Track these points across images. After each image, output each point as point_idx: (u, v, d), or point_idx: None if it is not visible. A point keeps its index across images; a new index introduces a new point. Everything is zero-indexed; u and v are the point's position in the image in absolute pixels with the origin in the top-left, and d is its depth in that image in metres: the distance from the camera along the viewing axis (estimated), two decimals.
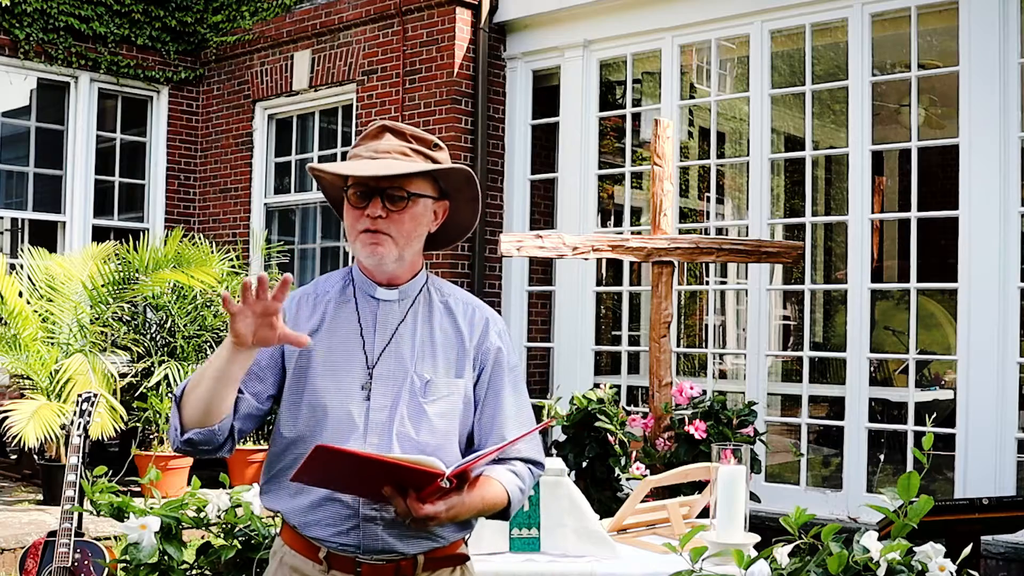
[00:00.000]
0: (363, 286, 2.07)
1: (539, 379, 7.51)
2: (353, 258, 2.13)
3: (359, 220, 1.98)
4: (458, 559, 2.07)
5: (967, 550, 2.71)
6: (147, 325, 7.26)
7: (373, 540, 1.94)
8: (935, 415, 4.44)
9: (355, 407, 1.97)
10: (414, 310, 2.07)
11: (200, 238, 7.91)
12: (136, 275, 6.88)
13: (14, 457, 7.24)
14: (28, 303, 6.66)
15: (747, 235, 6.26)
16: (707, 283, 9.28)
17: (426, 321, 2.07)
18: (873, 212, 6.54)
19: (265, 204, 8.64)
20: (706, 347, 8.07)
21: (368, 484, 1.84)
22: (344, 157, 8.04)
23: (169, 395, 6.55)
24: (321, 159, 8.36)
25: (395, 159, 1.98)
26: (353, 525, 1.94)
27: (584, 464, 4.91)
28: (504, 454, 2.03)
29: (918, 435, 4.67)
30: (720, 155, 8.42)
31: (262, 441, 7.15)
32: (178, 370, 6.63)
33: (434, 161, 2.01)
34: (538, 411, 5.30)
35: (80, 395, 4.74)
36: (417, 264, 2.09)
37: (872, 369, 7.10)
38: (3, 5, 7.69)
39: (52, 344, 6.57)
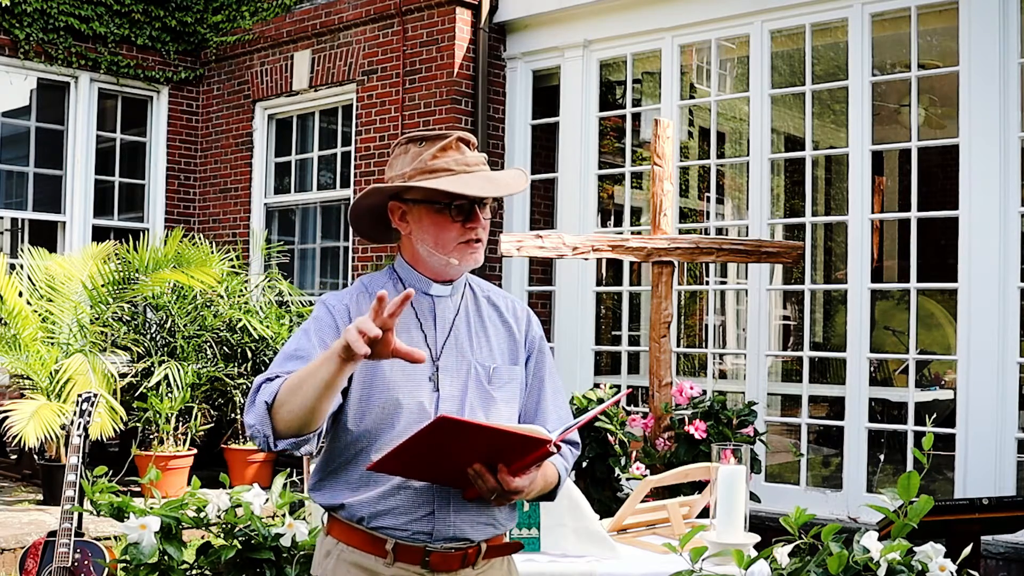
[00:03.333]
0: (415, 283, 2.11)
1: None
2: (397, 258, 2.16)
3: (459, 232, 2.05)
4: (511, 547, 2.14)
5: (967, 550, 2.71)
6: (147, 325, 7.26)
7: (446, 526, 1.98)
8: (935, 415, 4.45)
9: (425, 398, 2.02)
10: (464, 305, 2.16)
11: (200, 238, 7.91)
12: (136, 275, 6.88)
13: (14, 457, 7.24)
14: (28, 303, 6.66)
15: (747, 235, 6.26)
16: (707, 283, 9.28)
17: (476, 314, 2.16)
18: (873, 212, 6.54)
19: (265, 204, 8.64)
20: (706, 347, 8.06)
21: (461, 462, 1.87)
22: (345, 157, 8.06)
23: (169, 395, 6.55)
24: (321, 159, 8.36)
25: (486, 170, 2.09)
26: (428, 512, 1.98)
27: (584, 464, 4.92)
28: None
29: (918, 435, 4.67)
30: (720, 155, 8.42)
31: None
32: (178, 370, 6.63)
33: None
34: None
35: (80, 395, 4.74)
36: None
37: (872, 369, 7.10)
38: (3, 5, 7.69)
39: (52, 344, 6.57)
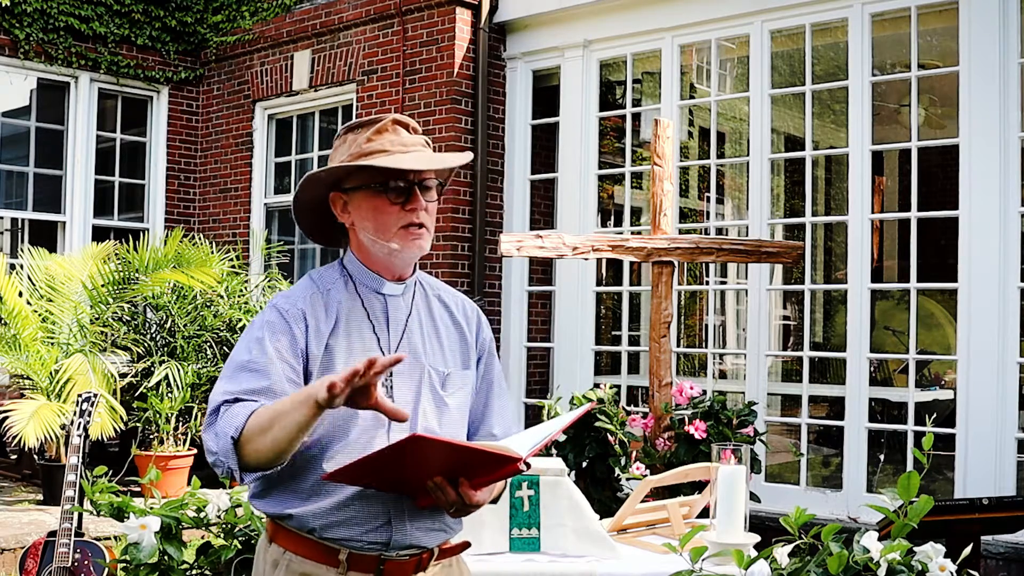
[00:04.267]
0: (366, 281, 2.03)
1: (539, 379, 7.51)
2: (343, 254, 2.09)
3: (399, 216, 1.96)
4: (461, 548, 2.12)
5: (967, 550, 2.71)
6: (147, 325, 7.26)
7: (402, 536, 1.95)
8: (935, 415, 4.44)
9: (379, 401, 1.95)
10: (415, 304, 2.08)
11: (200, 238, 7.91)
12: (136, 275, 6.88)
13: (14, 457, 7.24)
14: (28, 303, 6.66)
15: (747, 235, 6.26)
16: (707, 283, 9.28)
17: (428, 314, 2.09)
18: (873, 212, 6.54)
19: (265, 204, 8.64)
20: (706, 347, 8.06)
21: (418, 477, 1.85)
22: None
23: (169, 395, 6.55)
24: (321, 160, 8.36)
25: (423, 150, 2.01)
26: (384, 522, 1.93)
27: (584, 464, 4.92)
28: (484, 438, 2.11)
29: (918, 435, 4.67)
30: (720, 155, 8.42)
31: None
32: (178, 370, 6.63)
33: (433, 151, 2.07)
34: (538, 411, 5.32)
35: (80, 395, 4.74)
36: None
37: (872, 369, 7.10)
38: (3, 5, 7.69)
39: (52, 344, 6.57)
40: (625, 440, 4.80)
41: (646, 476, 3.98)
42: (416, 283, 2.10)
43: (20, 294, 6.61)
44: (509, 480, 2.11)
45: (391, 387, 1.98)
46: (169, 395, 6.56)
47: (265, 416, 1.79)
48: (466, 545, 2.13)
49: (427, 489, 1.85)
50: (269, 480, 1.94)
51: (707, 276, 9.39)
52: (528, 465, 1.87)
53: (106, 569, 4.03)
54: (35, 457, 6.56)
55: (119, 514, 3.09)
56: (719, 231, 7.76)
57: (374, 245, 1.99)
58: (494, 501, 2.10)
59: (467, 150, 2.16)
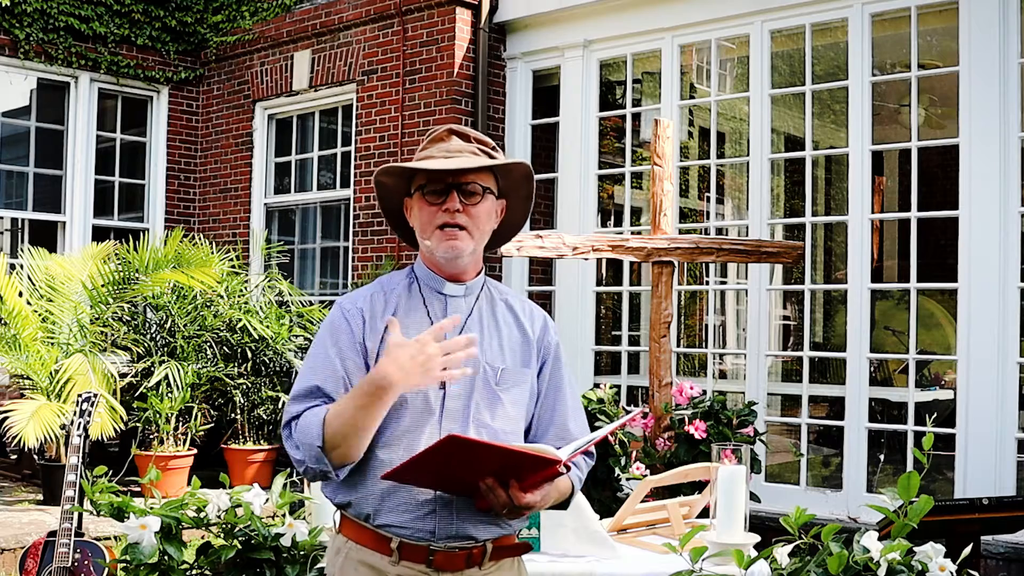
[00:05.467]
0: (429, 282, 2.14)
1: None
2: (416, 258, 2.20)
3: (435, 216, 2.06)
4: (520, 548, 2.14)
5: (967, 550, 2.71)
6: (147, 325, 7.26)
7: (448, 524, 1.98)
8: (935, 415, 4.44)
9: (431, 394, 2.02)
10: (478, 306, 2.15)
11: (200, 238, 7.91)
12: (136, 275, 6.88)
13: (14, 457, 7.24)
14: (28, 303, 6.65)
15: (747, 235, 6.26)
16: (707, 283, 9.28)
17: (491, 316, 2.15)
18: (873, 212, 6.54)
19: (265, 204, 8.64)
20: (706, 347, 8.06)
21: (471, 477, 1.88)
22: (345, 157, 8.06)
23: (169, 395, 6.55)
24: (321, 159, 8.36)
25: (467, 157, 2.07)
26: (430, 509, 1.98)
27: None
28: (558, 437, 2.14)
29: (918, 435, 4.67)
30: (720, 155, 8.42)
31: (262, 441, 7.15)
32: (178, 370, 6.63)
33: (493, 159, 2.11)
34: None
35: (80, 395, 4.74)
36: (480, 262, 2.18)
37: (872, 369, 7.10)
38: (3, 5, 7.69)
39: (52, 344, 6.57)
40: (625, 440, 4.80)
41: (646, 476, 3.98)
42: (483, 287, 2.18)
43: (20, 294, 6.61)
44: (577, 484, 2.13)
45: (444, 380, 2.03)
46: (169, 395, 6.56)
47: (336, 420, 1.94)
48: (526, 547, 2.15)
49: (481, 491, 1.91)
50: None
51: (707, 276, 9.39)
52: (568, 467, 1.92)
53: (106, 569, 4.03)
54: (35, 457, 6.56)
55: (119, 514, 3.09)
56: (719, 231, 7.75)
57: (422, 244, 2.11)
58: (563, 506, 2.12)
59: (517, 160, 2.15)
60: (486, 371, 2.08)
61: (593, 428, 4.78)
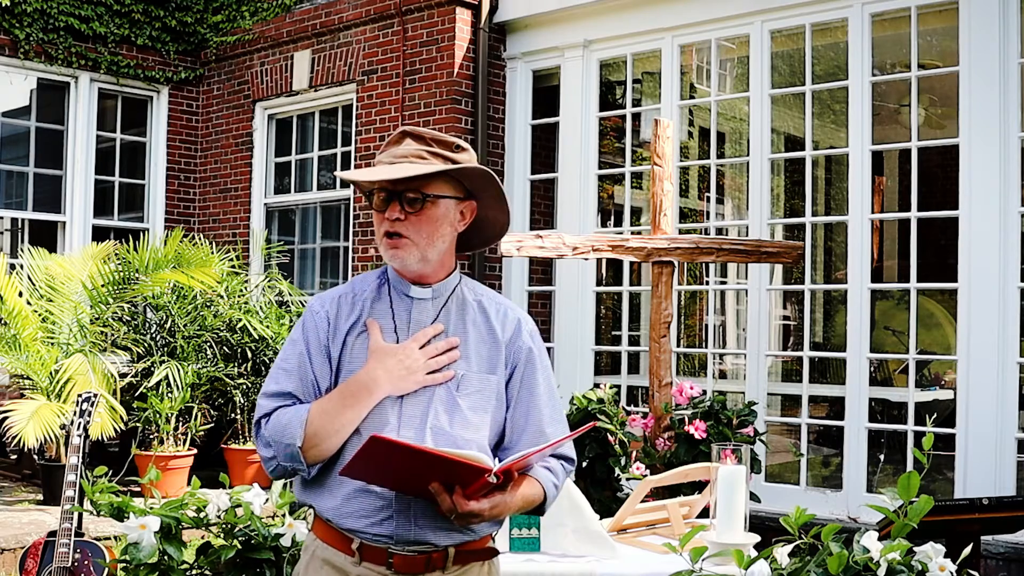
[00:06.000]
0: (397, 285, 2.13)
1: None
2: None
3: (381, 223, 2.06)
4: (488, 553, 2.11)
5: (967, 550, 2.71)
6: (147, 325, 7.26)
7: (406, 531, 1.98)
8: (935, 415, 4.44)
9: (388, 402, 2.02)
10: (447, 308, 2.12)
11: (200, 238, 7.91)
12: (136, 275, 6.88)
13: (14, 457, 7.24)
14: (28, 303, 6.65)
15: (747, 235, 6.26)
16: (707, 283, 9.28)
17: (459, 318, 2.12)
18: (873, 212, 6.54)
19: (265, 204, 8.64)
20: (706, 347, 8.06)
21: (415, 479, 1.88)
22: (345, 157, 8.06)
23: (169, 395, 6.55)
24: (321, 159, 8.36)
25: (411, 163, 2.03)
26: (387, 516, 1.98)
27: (584, 464, 4.91)
28: (534, 443, 2.10)
29: (918, 435, 4.67)
30: (720, 155, 8.42)
31: None
32: (178, 370, 6.63)
33: (453, 162, 2.05)
34: None
35: (80, 395, 4.74)
36: (448, 264, 2.14)
37: (872, 369, 7.10)
38: (3, 5, 7.69)
39: (52, 344, 6.57)
40: (625, 440, 4.80)
41: (646, 476, 3.98)
42: (456, 288, 2.15)
43: (20, 294, 6.61)
44: (550, 492, 2.07)
45: (429, 384, 2.04)
46: (169, 395, 6.56)
47: (319, 418, 1.98)
48: (493, 552, 2.13)
49: (430, 494, 1.89)
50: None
51: (707, 276, 9.39)
52: (499, 477, 1.87)
53: (106, 569, 4.03)
54: (35, 457, 6.56)
55: (119, 514, 3.09)
56: (719, 231, 7.76)
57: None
58: (538, 512, 2.10)
59: (452, 161, 2.09)
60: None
61: (593, 429, 4.80)
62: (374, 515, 1.98)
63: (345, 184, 8.02)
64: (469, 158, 2.09)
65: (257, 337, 6.98)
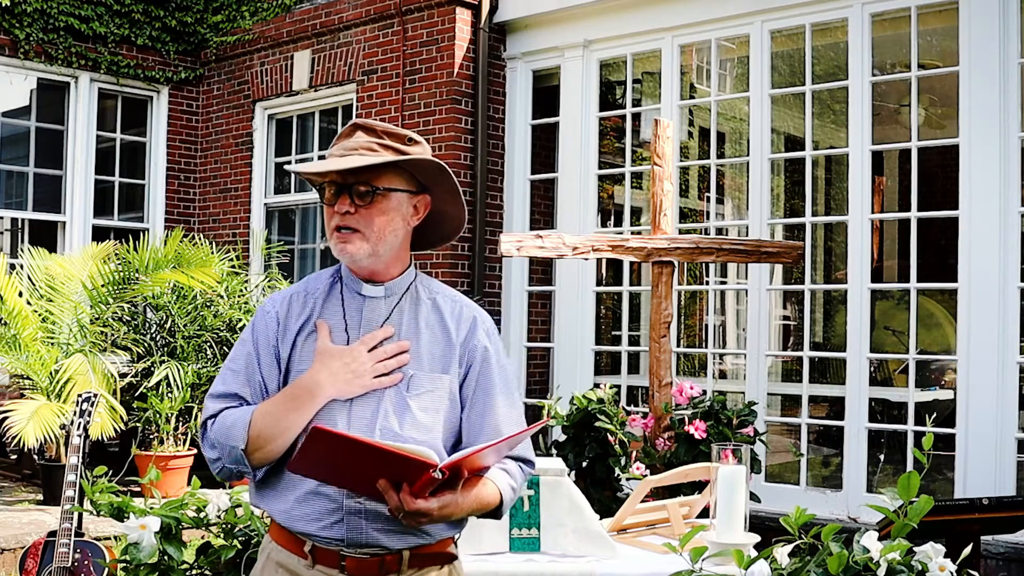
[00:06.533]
0: (350, 283, 2.09)
1: (539, 379, 7.51)
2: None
3: (331, 217, 2.01)
4: (446, 558, 2.06)
5: (967, 550, 2.71)
6: (147, 325, 7.26)
7: (357, 533, 1.94)
8: (935, 415, 4.44)
9: (338, 403, 1.98)
10: (400, 307, 2.07)
11: (200, 238, 7.91)
12: (136, 275, 6.88)
13: (14, 457, 7.24)
14: (28, 303, 6.65)
15: (747, 235, 6.26)
16: (707, 283, 9.28)
17: (412, 317, 2.07)
18: (873, 212, 6.54)
19: (265, 204, 8.64)
20: (706, 347, 8.06)
21: (362, 475, 1.83)
22: None
23: (169, 395, 6.55)
24: (321, 159, 8.35)
25: (361, 155, 1.98)
26: (337, 519, 1.94)
27: (584, 464, 4.91)
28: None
29: (918, 435, 4.67)
30: (720, 155, 8.42)
31: None
32: (178, 370, 6.63)
33: (404, 155, 2.00)
34: (537, 411, 5.32)
35: (80, 395, 4.74)
36: (403, 260, 2.10)
37: (872, 369, 7.10)
38: (3, 5, 7.69)
39: (52, 344, 6.57)
40: (625, 440, 4.80)
41: (646, 476, 3.98)
42: (411, 287, 2.10)
43: (20, 294, 6.61)
44: (506, 494, 2.01)
45: (376, 388, 2.01)
46: (169, 395, 6.56)
47: (262, 422, 1.95)
48: (450, 557, 2.07)
49: (378, 492, 1.85)
50: (258, 476, 2.03)
51: (707, 276, 9.39)
52: (444, 473, 1.81)
53: (106, 569, 4.03)
54: (35, 457, 6.56)
55: (119, 514, 3.09)
56: (719, 231, 7.76)
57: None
58: (495, 516, 2.03)
59: (403, 154, 2.03)
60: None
61: (593, 430, 4.80)
62: (325, 518, 1.94)
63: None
64: (422, 151, 2.03)
65: None
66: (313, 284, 2.12)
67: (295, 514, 1.96)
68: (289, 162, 8.57)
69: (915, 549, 2.67)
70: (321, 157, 8.28)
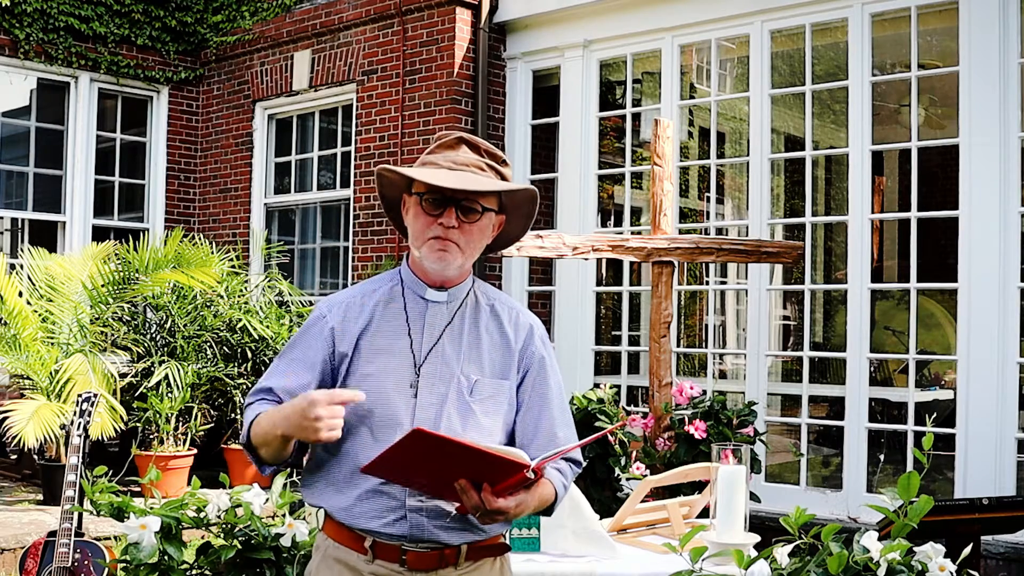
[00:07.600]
0: (413, 286, 2.13)
1: None
2: (405, 259, 2.19)
3: (429, 227, 2.05)
4: (499, 549, 2.14)
5: (967, 550, 2.71)
6: (147, 325, 7.26)
7: (419, 530, 2.00)
8: (935, 415, 4.44)
9: (402, 404, 2.03)
10: (461, 312, 2.13)
11: (200, 238, 7.91)
12: (136, 275, 6.88)
13: (14, 457, 7.24)
14: (28, 303, 6.65)
15: (747, 235, 6.26)
16: (707, 283, 9.28)
17: (473, 323, 2.13)
18: (873, 212, 6.54)
19: (265, 204, 8.64)
20: (706, 347, 8.06)
21: (446, 475, 1.87)
22: (345, 157, 8.06)
23: (169, 395, 6.55)
24: (321, 160, 8.36)
25: (473, 173, 2.06)
26: (399, 516, 1.99)
27: (584, 464, 4.91)
28: (547, 448, 2.10)
29: (918, 435, 4.67)
30: (720, 155, 8.42)
31: None
32: (178, 370, 6.63)
33: (502, 177, 2.12)
34: None
35: (80, 395, 4.74)
36: (469, 268, 2.17)
37: (872, 369, 7.10)
38: (3, 5, 7.69)
39: (52, 344, 6.57)
40: (625, 440, 4.80)
41: (646, 476, 3.98)
42: (470, 292, 2.16)
43: (20, 294, 6.60)
44: (560, 492, 2.10)
45: (417, 390, 2.04)
46: (169, 395, 6.56)
47: (261, 426, 2.00)
48: (504, 548, 2.15)
49: (456, 492, 1.89)
50: (311, 471, 2.09)
51: (707, 276, 9.39)
52: (536, 473, 1.87)
53: (106, 569, 4.03)
54: (35, 457, 6.56)
55: (119, 514, 3.10)
56: (719, 231, 7.76)
57: (413, 249, 2.11)
58: (547, 513, 2.11)
59: (501, 176, 2.15)
60: (460, 382, 2.07)
61: (593, 430, 4.80)
62: (387, 515, 1.99)
63: (345, 184, 8.02)
64: (511, 173, 2.16)
65: (257, 337, 6.98)
66: (370, 288, 2.16)
67: (356, 511, 2.01)
68: (289, 162, 8.57)
69: (915, 549, 2.68)
70: (327, 157, 8.29)
